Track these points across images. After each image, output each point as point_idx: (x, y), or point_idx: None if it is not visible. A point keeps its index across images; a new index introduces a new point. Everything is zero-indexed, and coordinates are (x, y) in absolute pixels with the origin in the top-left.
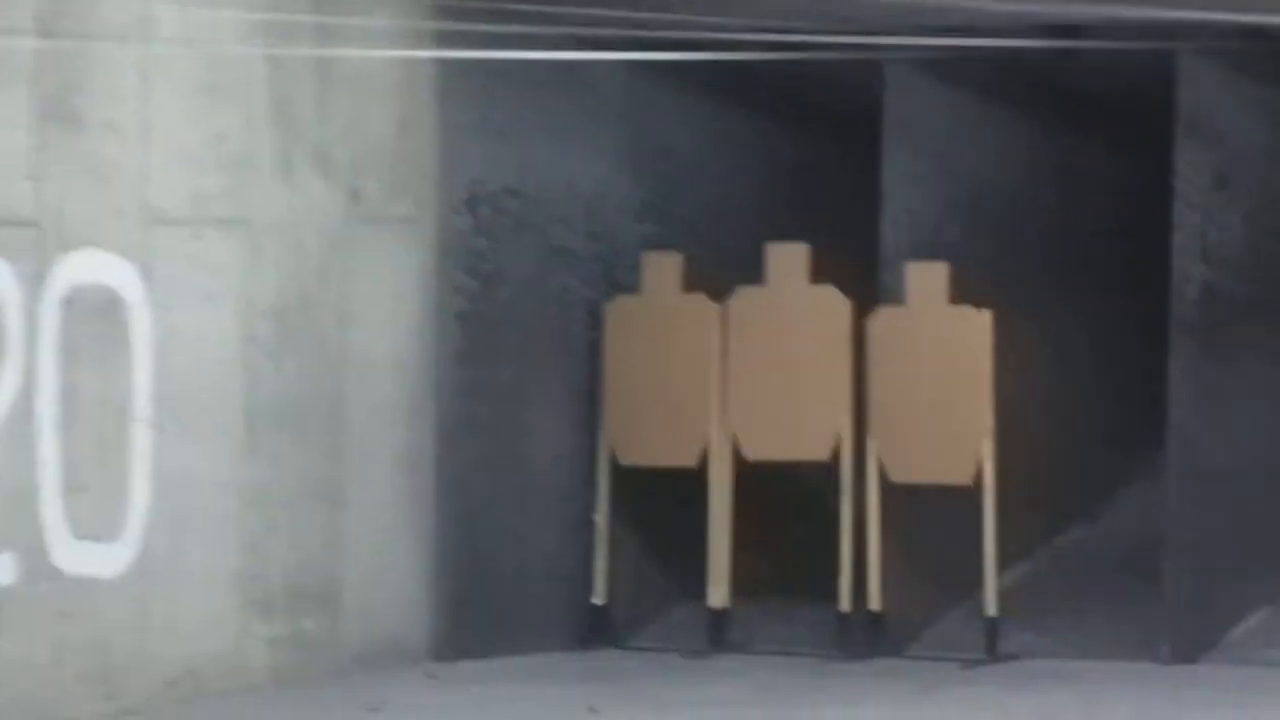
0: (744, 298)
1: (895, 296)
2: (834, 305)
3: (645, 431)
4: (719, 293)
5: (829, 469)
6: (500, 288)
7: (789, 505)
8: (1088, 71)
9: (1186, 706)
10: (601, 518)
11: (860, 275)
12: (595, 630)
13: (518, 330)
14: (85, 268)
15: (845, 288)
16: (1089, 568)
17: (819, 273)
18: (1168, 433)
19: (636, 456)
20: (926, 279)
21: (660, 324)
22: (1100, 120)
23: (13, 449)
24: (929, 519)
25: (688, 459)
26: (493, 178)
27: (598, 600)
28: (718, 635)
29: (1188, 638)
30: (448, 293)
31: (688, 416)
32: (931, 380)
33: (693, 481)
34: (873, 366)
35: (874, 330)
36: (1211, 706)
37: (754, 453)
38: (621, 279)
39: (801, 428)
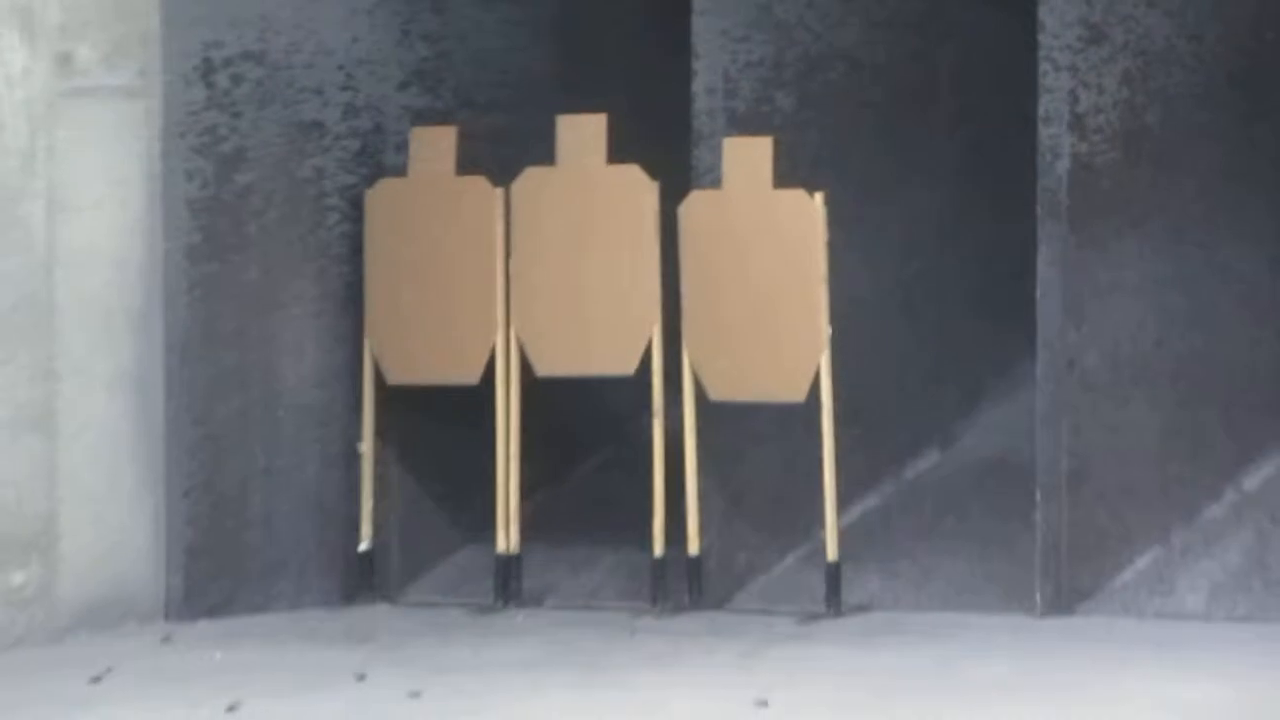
0: (531, 180)
1: (711, 178)
2: (638, 188)
3: (417, 343)
4: (501, 174)
5: (636, 386)
6: (241, 171)
7: (590, 430)
8: None
9: (1063, 666)
10: (366, 447)
11: (670, 152)
12: (362, 581)
13: (262, 221)
14: None
15: (652, 167)
16: (946, 501)
17: (620, 150)
18: (1037, 338)
19: (407, 373)
20: (747, 156)
21: (432, 212)
22: None
23: None
24: (757, 446)
25: (468, 375)
26: (230, 40)
27: (364, 546)
28: (507, 586)
29: (1063, 585)
30: (178, 177)
31: (467, 324)
32: (756, 278)
33: (475, 403)
34: (685, 262)
35: (686, 218)
36: (1092, 665)
37: (546, 367)
38: (386, 159)
39: (601, 337)
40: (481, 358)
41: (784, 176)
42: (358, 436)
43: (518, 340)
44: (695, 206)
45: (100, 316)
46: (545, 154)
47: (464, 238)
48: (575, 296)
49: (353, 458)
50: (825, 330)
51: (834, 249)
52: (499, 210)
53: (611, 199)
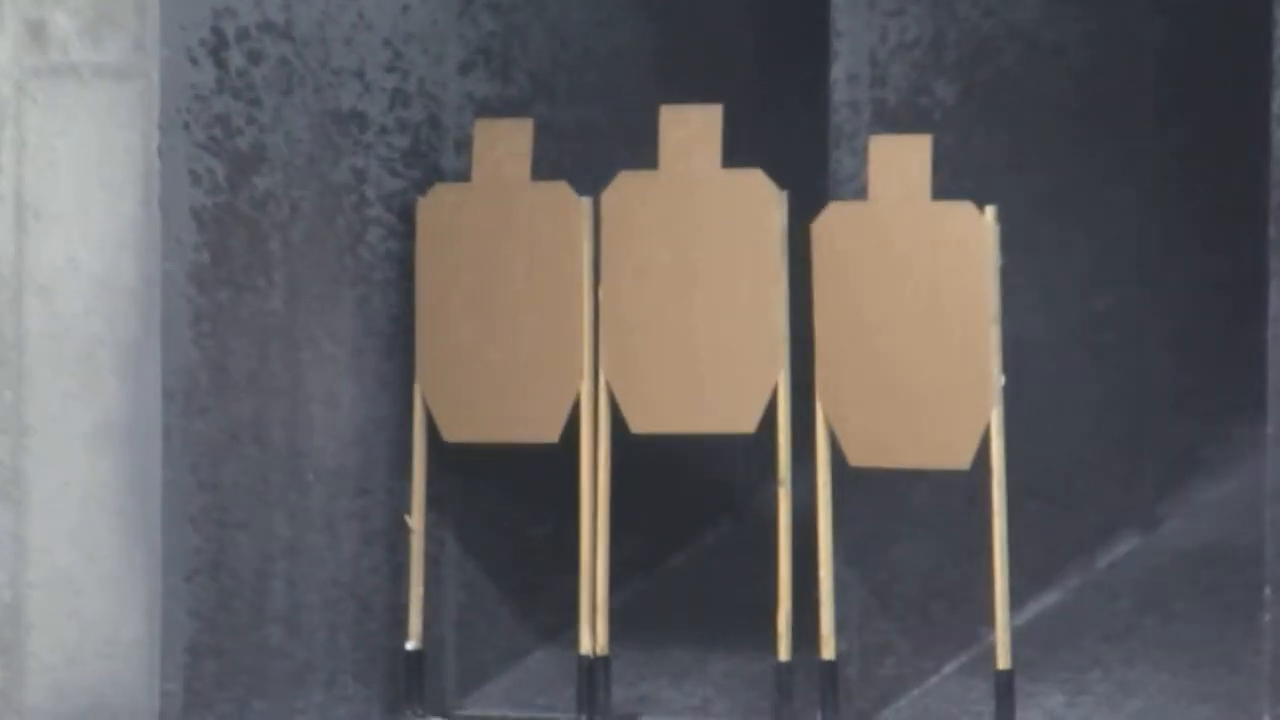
0: (626, 187)
1: (853, 186)
2: (762, 198)
3: (481, 391)
4: (589, 180)
5: (756, 449)
6: (260, 173)
7: (698, 503)
8: None
9: None
10: (416, 521)
11: (801, 155)
12: (410, 689)
13: (287, 237)
14: None
15: (778, 173)
16: (1148, 598)
17: (738, 151)
18: (1267, 392)
19: (468, 429)
20: (899, 160)
21: (500, 227)
22: None
23: None
24: (909, 525)
25: (545, 433)
26: (246, 8)
27: (413, 644)
28: (593, 697)
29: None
30: (180, 180)
31: (544, 368)
32: (910, 314)
33: (554, 467)
34: (820, 293)
35: (822, 236)
36: None
37: (644, 423)
38: (443, 161)
39: (713, 386)
40: (562, 410)
41: (945, 186)
42: (406, 508)
43: (608, 389)
44: (833, 222)
45: (81, 353)
46: (644, 155)
47: (541, 259)
48: (681, 335)
49: (399, 534)
50: (997, 381)
51: (1007, 278)
52: (585, 225)
53: (727, 212)
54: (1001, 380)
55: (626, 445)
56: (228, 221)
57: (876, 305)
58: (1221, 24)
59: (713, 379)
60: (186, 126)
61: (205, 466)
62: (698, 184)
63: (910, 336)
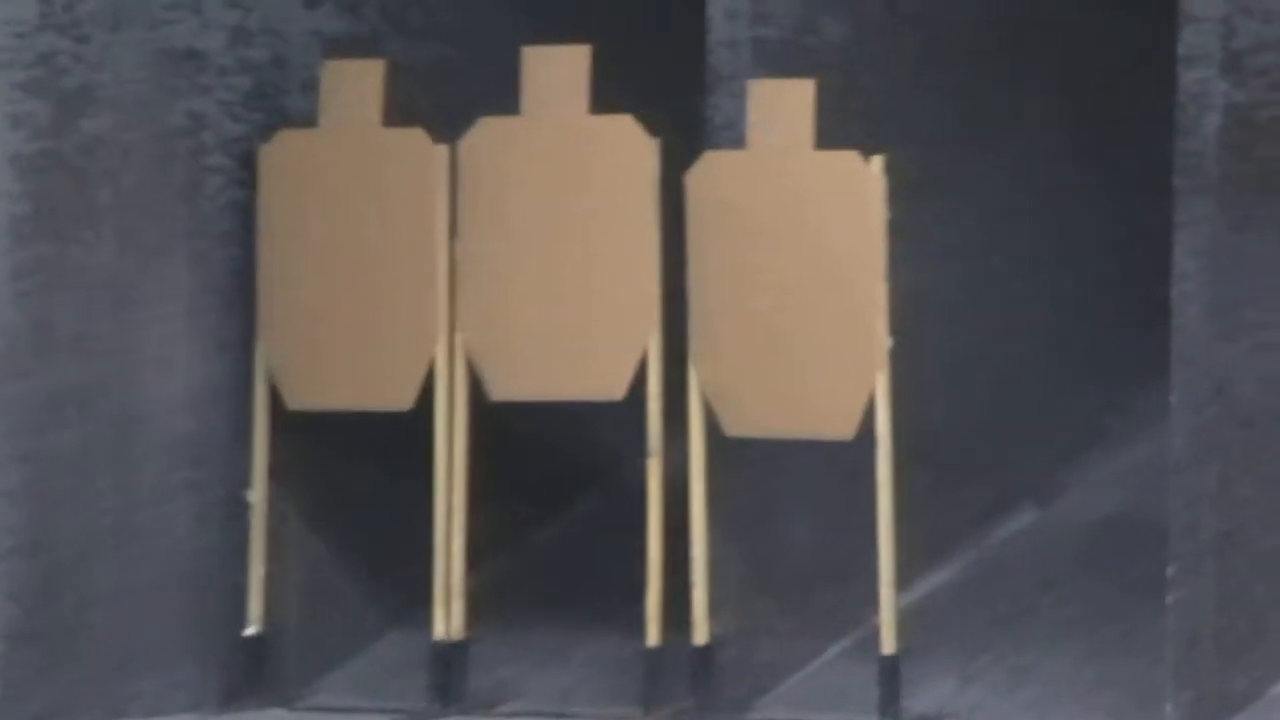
0: (487, 134)
1: (731, 134)
2: (633, 147)
3: (328, 354)
4: (446, 126)
5: (625, 416)
6: (88, 116)
7: (563, 476)
8: None
9: None
10: (258, 496)
11: (676, 100)
12: (250, 678)
13: (117, 186)
14: None
15: (651, 120)
16: (1045, 576)
17: (607, 96)
18: (1172, 354)
19: (314, 395)
20: (782, 105)
21: (350, 177)
22: None
23: None
24: (789, 498)
25: (397, 399)
26: None
27: (253, 629)
28: (448, 685)
29: (1207, 689)
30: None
31: (396, 330)
32: (790, 271)
33: (407, 437)
34: (695, 249)
35: (698, 188)
36: None
37: (504, 389)
38: (288, 104)
39: (579, 349)
40: (416, 375)
41: (830, 133)
42: (246, 482)
43: (466, 352)
44: (710, 173)
45: None
46: (506, 100)
47: (393, 211)
48: (545, 294)
49: (238, 510)
50: (884, 343)
51: (896, 232)
52: (442, 174)
53: (595, 161)
54: (889, 342)
55: (485, 413)
56: (51, 169)
57: (755, 263)
58: None
59: (579, 342)
60: (6, 66)
61: (24, 436)
62: (563, 130)
63: (791, 296)
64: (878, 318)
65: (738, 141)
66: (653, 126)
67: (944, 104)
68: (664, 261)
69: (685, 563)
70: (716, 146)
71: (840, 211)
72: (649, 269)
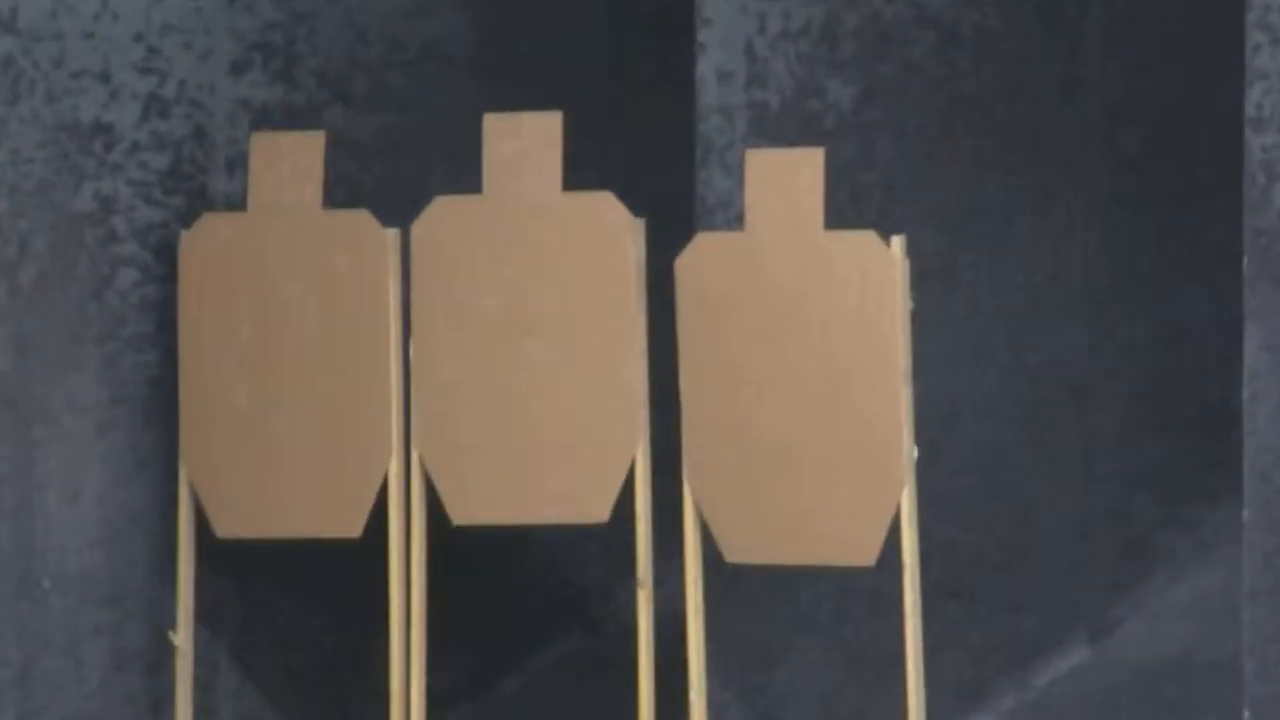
0: (443, 215)
1: (727, 214)
2: (613, 229)
3: (263, 476)
4: (396, 207)
5: (610, 543)
6: None
7: (538, 612)
8: None
9: None
10: (183, 638)
11: (661, 174)
12: None
13: (13, 282)
14: None
15: (633, 197)
16: None
17: (581, 170)
18: (1243, 466)
19: (248, 523)
20: (785, 179)
21: (285, 266)
22: None
23: None
24: (801, 636)
25: (345, 526)
26: None
27: None
28: None
29: None
30: None
31: (343, 446)
32: (798, 373)
33: (357, 568)
34: (687, 348)
35: (689, 277)
36: None
37: (468, 513)
38: (212, 184)
39: (556, 466)
40: (366, 498)
41: (841, 212)
42: (170, 624)
43: (423, 471)
44: (702, 258)
45: None
46: (466, 176)
47: (336, 306)
48: (514, 401)
49: (162, 657)
50: (908, 454)
51: (920, 325)
52: (392, 263)
53: (571, 245)
54: (914, 453)
55: (447, 539)
56: None
57: (757, 362)
58: (1179, 6)
59: (554, 456)
60: None
61: None
62: (533, 211)
63: (799, 400)
64: (900, 425)
65: (734, 221)
66: (636, 205)
67: (971, 177)
68: (652, 361)
69: (681, 711)
70: (710, 227)
71: (855, 302)
72: (634, 370)
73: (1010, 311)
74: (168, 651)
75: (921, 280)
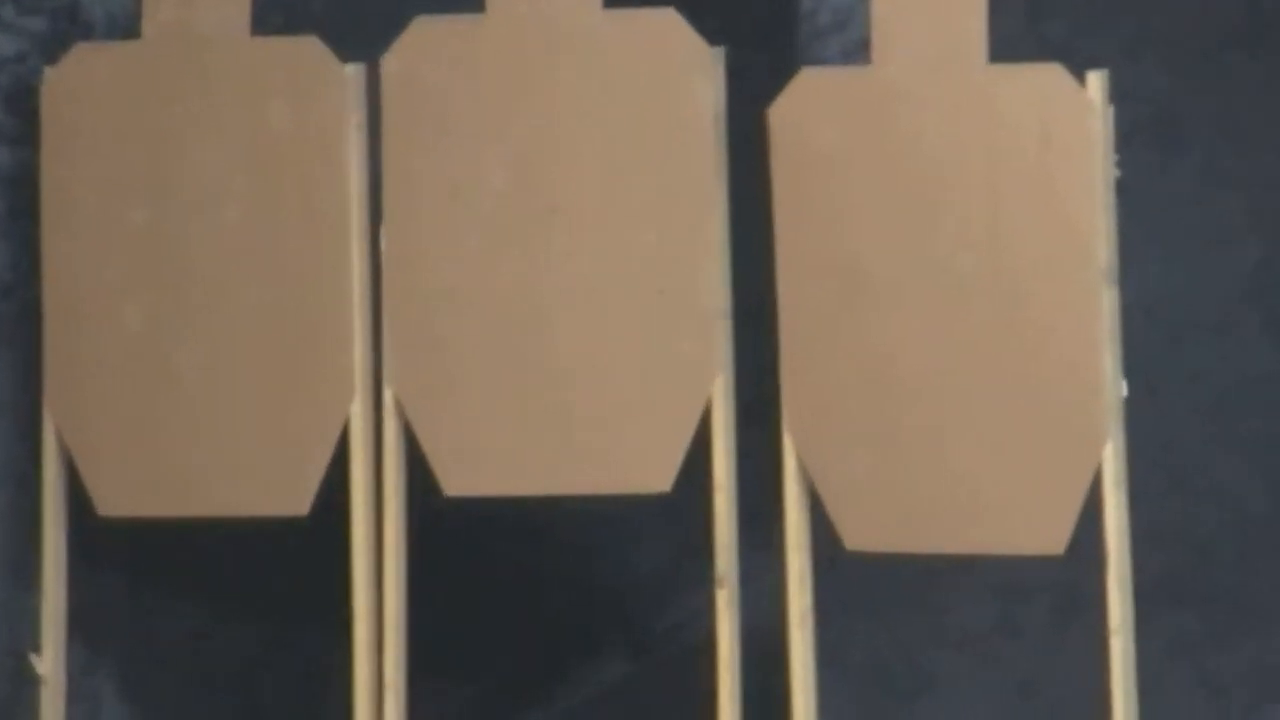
0: (426, 46)
1: (844, 41)
2: (678, 59)
3: (164, 431)
4: (358, 33)
5: (671, 523)
6: None
7: (566, 624)
8: None
9: None
10: (50, 666)
11: None
12: None
13: None
14: None
15: (711, 16)
16: None
17: None
18: None
19: (143, 498)
20: None
21: (199, 122)
22: None
23: None
24: (951, 653)
25: (287, 500)
26: None
27: None
28: None
29: None
30: None
31: (284, 384)
32: (950, 269)
33: (306, 558)
34: (788, 234)
35: (790, 128)
36: None
37: (466, 481)
38: (86, 9)
39: (593, 409)
40: (317, 459)
41: (1012, 38)
42: (32, 644)
43: (400, 418)
44: (809, 105)
45: None
46: None
47: (272, 179)
48: (533, 317)
49: (21, 686)
50: (1114, 391)
51: (1130, 201)
52: (353, 114)
53: (615, 89)
54: (1123, 390)
55: (437, 521)
56: None
57: (889, 259)
58: None
59: (591, 398)
60: None
61: None
62: (560, 37)
63: (950, 314)
64: (1100, 348)
65: (855, 52)
66: (713, 28)
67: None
68: (735, 259)
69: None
70: (820, 61)
71: (1033, 168)
72: (711, 271)
73: (1261, 183)
74: (27, 682)
75: (1131, 137)
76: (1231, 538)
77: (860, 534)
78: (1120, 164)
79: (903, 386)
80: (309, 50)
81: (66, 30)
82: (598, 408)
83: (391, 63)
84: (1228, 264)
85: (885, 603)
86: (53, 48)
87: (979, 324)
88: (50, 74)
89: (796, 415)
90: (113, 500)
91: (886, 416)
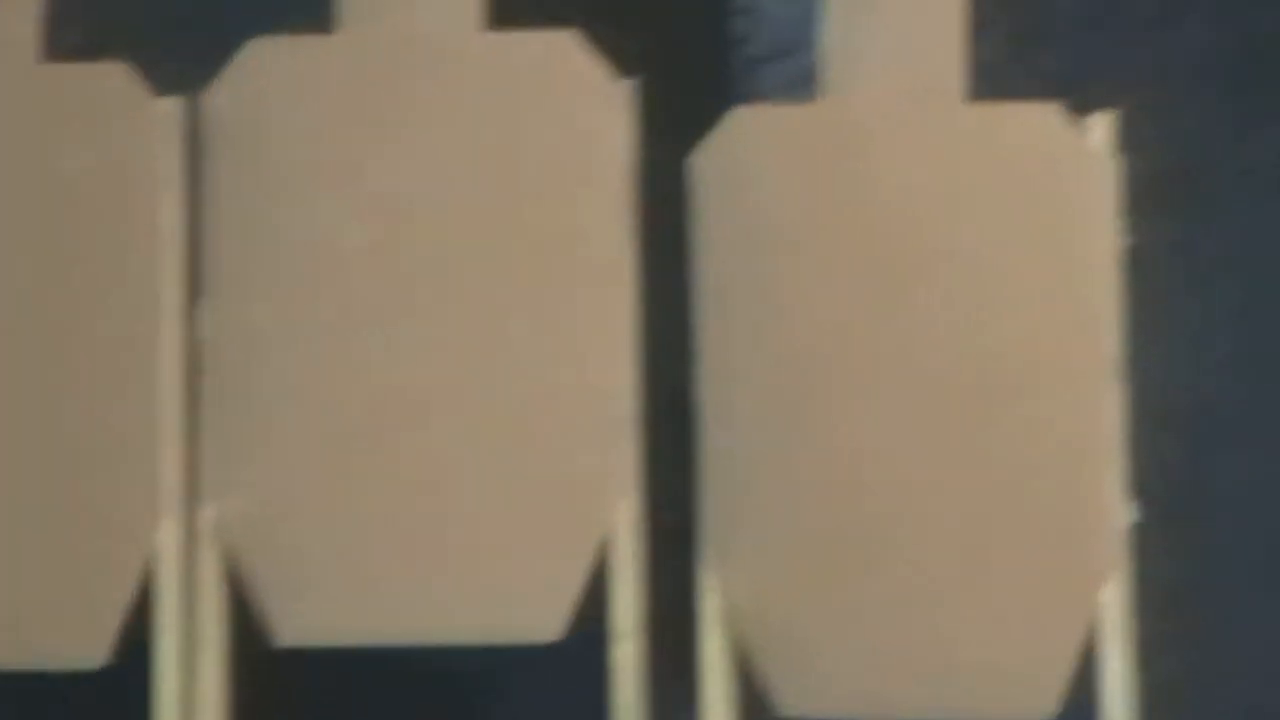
0: (265, 68)
1: (788, 67)
2: (579, 91)
3: None
4: (179, 56)
5: (569, 668)
6: None
7: None
8: None
9: None
10: None
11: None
12: None
13: None
14: None
15: (621, 40)
16: None
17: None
18: None
19: None
20: (893, 7)
21: None
22: None
23: None
24: None
25: (79, 648)
26: None
27: None
28: None
29: None
30: None
31: (75, 504)
32: (924, 364)
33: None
34: (713, 314)
35: (719, 180)
36: None
37: (303, 628)
38: None
39: (470, 537)
40: (115, 599)
41: (997, 70)
42: None
43: (219, 542)
44: (744, 150)
45: None
46: (303, 3)
47: (65, 238)
48: (389, 415)
49: None
50: (1120, 514)
51: (1145, 271)
52: (165, 159)
53: (498, 126)
54: (1132, 513)
55: (269, 677)
56: None
57: (843, 342)
58: None
59: (461, 523)
60: None
61: None
62: (432, 63)
63: (915, 414)
64: (1105, 458)
65: (799, 86)
66: (625, 57)
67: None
68: (650, 341)
69: None
70: (757, 97)
71: (1020, 230)
72: (614, 357)
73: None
74: None
75: (1147, 192)
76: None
77: (799, 696)
78: (1131, 229)
79: (856, 510)
80: (114, 79)
81: None
82: (470, 536)
83: (218, 95)
84: (1268, 353)
85: None
86: None
87: (952, 430)
88: None
89: (721, 547)
90: None
91: (835, 548)
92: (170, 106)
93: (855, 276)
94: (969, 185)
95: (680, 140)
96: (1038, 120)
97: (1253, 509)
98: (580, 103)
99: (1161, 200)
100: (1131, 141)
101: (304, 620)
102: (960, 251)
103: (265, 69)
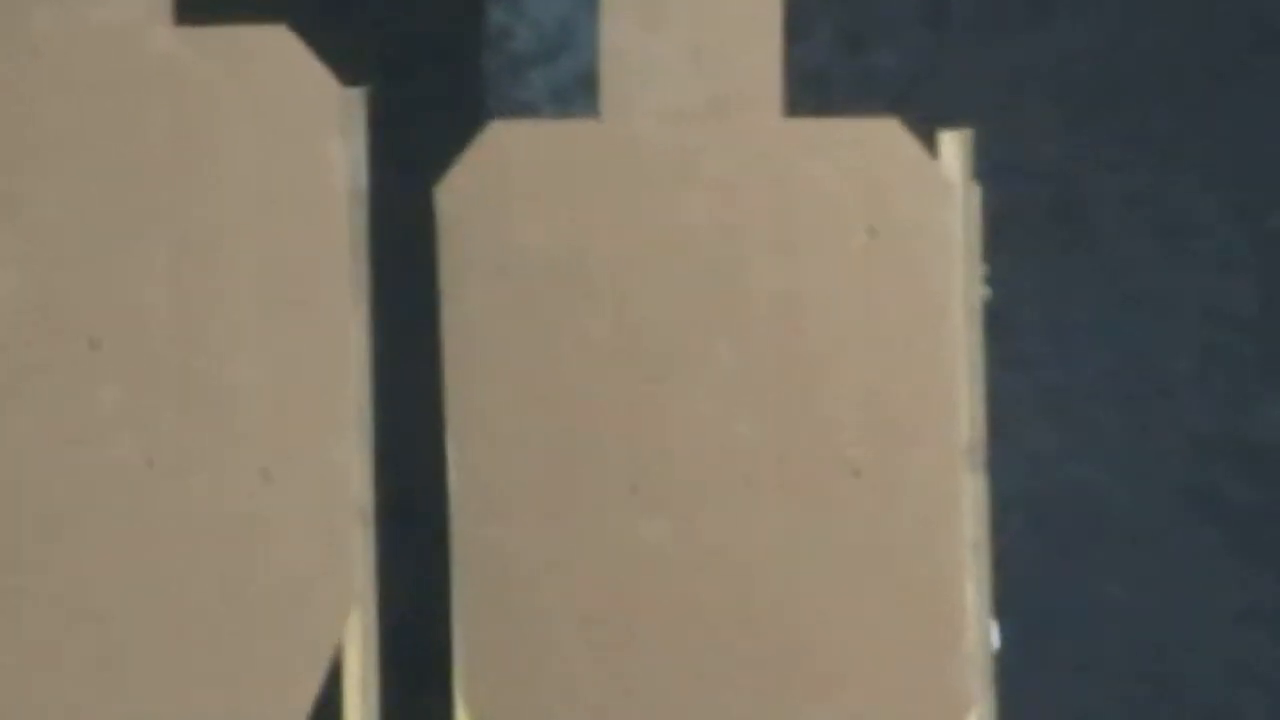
0: None
1: (548, 71)
2: (291, 104)
3: None
4: None
5: None
6: None
7: None
8: None
9: None
10: None
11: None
12: None
13: None
14: None
15: (343, 37)
16: None
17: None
18: None
19: None
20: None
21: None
22: None
23: None
24: None
25: None
26: None
27: None
28: None
29: None
30: None
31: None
32: (729, 449)
33: None
34: (463, 385)
35: (470, 217)
36: None
37: None
38: None
39: (172, 664)
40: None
41: (822, 80)
42: None
43: None
44: (498, 178)
45: None
46: None
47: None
48: (77, 510)
49: None
50: (982, 638)
51: (1004, 327)
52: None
53: (202, 143)
54: (995, 638)
55: None
56: None
57: (628, 418)
58: None
59: (163, 638)
60: None
61: None
62: (111, 67)
63: (719, 509)
64: (959, 564)
65: (570, 95)
66: (349, 64)
67: (1083, 30)
68: (383, 417)
69: None
70: (516, 107)
71: (853, 279)
72: (342, 428)
73: (1186, 292)
74: None
75: (1009, 231)
76: None
77: None
78: (990, 277)
79: (642, 629)
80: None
81: None
82: (174, 652)
83: None
84: (1161, 435)
85: None
86: None
87: (773, 528)
88: None
89: (475, 676)
90: None
91: (614, 675)
92: None
93: (637, 331)
94: (786, 217)
95: (423, 160)
96: (874, 139)
97: (1147, 619)
98: (298, 116)
99: (1034, 236)
100: (993, 163)
101: None
102: (779, 299)
103: None
